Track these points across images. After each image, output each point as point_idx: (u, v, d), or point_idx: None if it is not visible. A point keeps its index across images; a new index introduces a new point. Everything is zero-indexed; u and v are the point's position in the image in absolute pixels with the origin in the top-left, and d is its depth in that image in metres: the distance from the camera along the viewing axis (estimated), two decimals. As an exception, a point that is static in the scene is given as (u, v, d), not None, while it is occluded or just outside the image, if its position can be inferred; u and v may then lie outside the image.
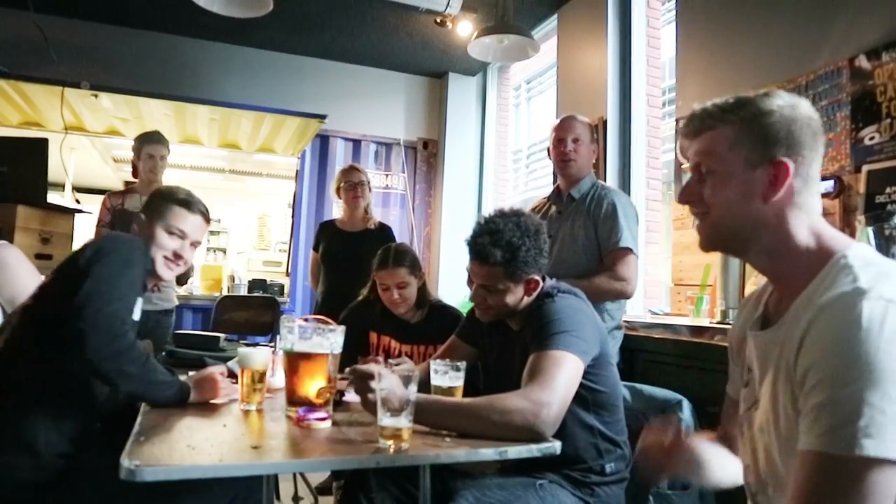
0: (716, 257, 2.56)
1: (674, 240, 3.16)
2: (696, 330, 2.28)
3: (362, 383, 1.37)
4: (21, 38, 4.31)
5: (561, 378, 1.42)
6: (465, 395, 1.56)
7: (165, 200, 1.81)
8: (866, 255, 0.91)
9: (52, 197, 3.64)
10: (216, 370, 1.66)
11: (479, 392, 1.63)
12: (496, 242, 1.61)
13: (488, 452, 1.27)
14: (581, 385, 1.51)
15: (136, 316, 1.64)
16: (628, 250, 2.30)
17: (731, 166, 0.99)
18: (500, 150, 5.55)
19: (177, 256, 1.77)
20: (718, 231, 1.03)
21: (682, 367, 2.21)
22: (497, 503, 1.46)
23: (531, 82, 5.31)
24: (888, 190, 2.18)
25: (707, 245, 1.06)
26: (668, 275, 3.23)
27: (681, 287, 3.05)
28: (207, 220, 1.86)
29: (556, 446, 1.33)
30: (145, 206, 1.88)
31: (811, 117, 0.97)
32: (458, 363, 1.56)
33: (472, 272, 1.68)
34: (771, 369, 0.95)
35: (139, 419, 1.38)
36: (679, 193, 1.07)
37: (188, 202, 1.82)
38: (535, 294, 1.68)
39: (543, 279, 1.73)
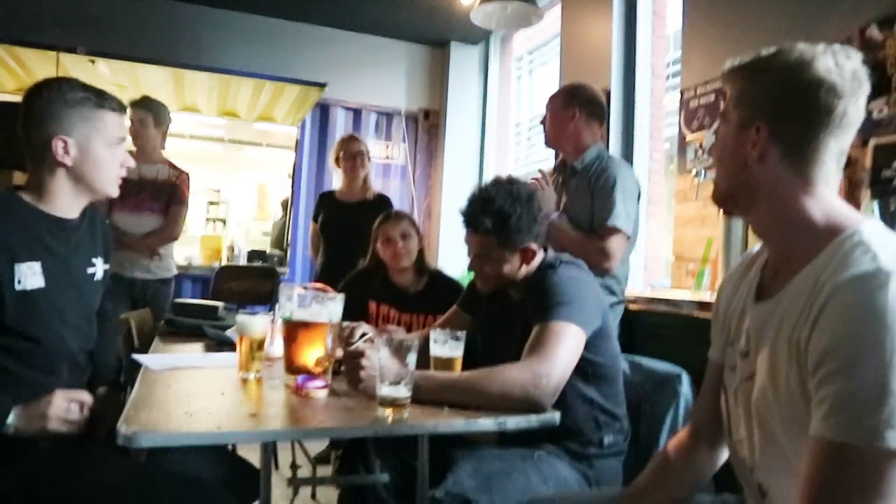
0: (717, 231, 2.55)
1: (675, 213, 3.14)
2: (697, 304, 2.27)
3: (351, 362, 1.36)
4: (15, 2, 4.23)
5: (561, 350, 1.41)
6: (464, 365, 1.56)
7: (83, 106, 1.46)
8: (881, 233, 0.87)
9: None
10: (61, 395, 1.37)
11: (478, 363, 1.62)
12: (487, 210, 1.60)
13: (487, 423, 1.27)
14: (581, 357, 1.50)
15: (34, 284, 1.41)
16: (616, 229, 2.22)
17: (730, 124, 0.99)
18: (502, 121, 5.49)
19: (121, 166, 1.55)
20: (719, 188, 1.04)
21: (683, 340, 2.20)
22: (495, 474, 1.46)
23: (533, 53, 5.23)
24: (895, 164, 2.16)
25: (714, 199, 1.06)
26: (670, 249, 3.21)
27: (682, 261, 3.03)
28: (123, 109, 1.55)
29: (555, 417, 1.32)
30: (49, 120, 1.45)
31: (821, 78, 0.89)
32: (458, 333, 1.55)
33: (467, 241, 1.68)
34: (768, 343, 0.93)
35: (136, 387, 1.37)
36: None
37: (103, 97, 1.50)
38: (534, 263, 1.67)
39: (545, 249, 1.71)
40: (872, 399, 0.74)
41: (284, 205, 6.77)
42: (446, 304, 2.03)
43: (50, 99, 1.45)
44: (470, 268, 1.73)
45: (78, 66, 4.30)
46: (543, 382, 1.34)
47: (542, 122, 2.51)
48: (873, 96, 2.33)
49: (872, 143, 2.22)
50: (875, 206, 2.00)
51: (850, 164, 2.29)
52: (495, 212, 1.59)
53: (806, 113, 0.91)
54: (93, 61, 4.18)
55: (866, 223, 0.89)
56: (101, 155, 1.49)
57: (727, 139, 1.00)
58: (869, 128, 2.23)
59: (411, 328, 2.34)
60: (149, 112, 3.33)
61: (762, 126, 0.93)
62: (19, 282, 1.39)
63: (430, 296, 2.37)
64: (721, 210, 1.10)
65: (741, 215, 1.07)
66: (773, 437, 0.93)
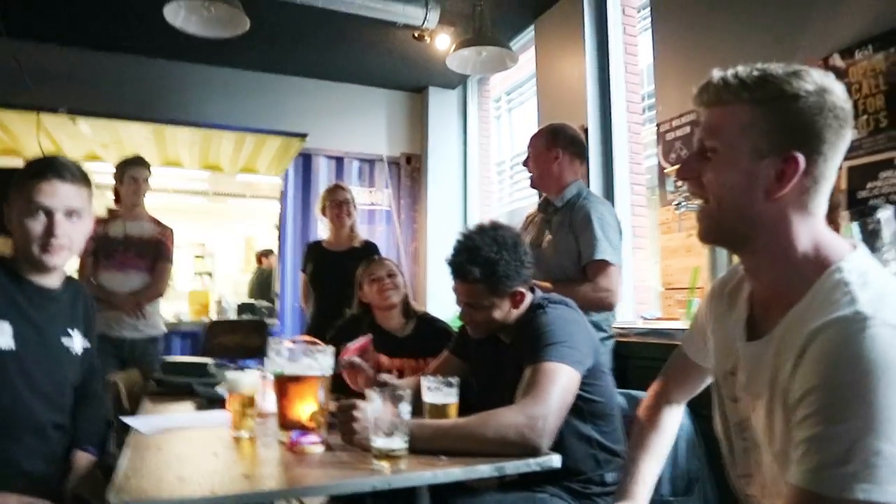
0: (703, 260, 2.57)
1: (661, 244, 3.17)
2: (688, 334, 2.27)
3: (344, 415, 1.35)
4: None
5: (555, 390, 1.40)
6: (460, 411, 1.54)
7: (19, 180, 1.50)
8: (862, 268, 0.83)
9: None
10: (15, 500, 1.37)
11: (472, 408, 1.61)
12: (474, 259, 1.60)
13: (486, 469, 1.25)
14: (577, 396, 1.49)
15: (2, 345, 1.43)
16: (606, 262, 2.24)
17: (737, 152, 0.89)
18: (484, 162, 5.55)
19: (48, 234, 1.47)
20: (717, 223, 0.94)
21: (676, 371, 2.19)
22: (497, 519, 1.44)
23: (511, 94, 5.33)
24: (869, 185, 2.20)
25: (704, 236, 0.97)
26: (658, 279, 3.23)
27: (670, 291, 3.05)
28: (75, 179, 1.53)
29: (554, 459, 1.31)
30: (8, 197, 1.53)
31: (841, 107, 0.85)
32: (451, 379, 1.54)
33: (456, 291, 1.68)
34: (765, 387, 0.90)
35: (126, 452, 1.34)
36: (678, 168, 0.99)
37: (38, 170, 1.49)
38: (523, 306, 1.67)
39: (532, 290, 1.72)
40: (844, 448, 0.71)
41: (260, 256, 6.77)
42: (436, 346, 2.01)
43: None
44: (460, 317, 1.73)
45: (59, 126, 4.32)
46: (539, 424, 1.33)
47: (525, 164, 2.54)
48: (843, 121, 2.39)
49: (846, 165, 2.27)
50: (854, 227, 2.03)
51: (827, 188, 2.33)
52: (482, 260, 1.59)
53: (838, 139, 0.86)
54: (74, 120, 4.20)
55: (848, 257, 0.86)
56: (21, 226, 1.49)
57: (732, 170, 0.90)
58: (842, 151, 2.28)
59: (402, 373, 2.31)
60: (149, 170, 3.38)
61: (798, 155, 0.85)
62: None
63: (419, 339, 2.35)
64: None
65: (731, 251, 1.01)
66: (776, 480, 0.90)
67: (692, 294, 2.71)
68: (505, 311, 1.65)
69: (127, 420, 1.67)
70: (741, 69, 0.90)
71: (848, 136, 0.87)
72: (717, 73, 0.92)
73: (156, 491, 1.08)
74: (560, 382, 1.43)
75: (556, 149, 2.44)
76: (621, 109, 3.74)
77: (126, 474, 1.16)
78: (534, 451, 1.31)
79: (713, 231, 0.96)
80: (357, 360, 2.03)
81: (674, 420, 1.32)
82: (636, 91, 3.77)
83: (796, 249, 0.88)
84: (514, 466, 1.27)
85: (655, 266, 3.33)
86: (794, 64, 0.89)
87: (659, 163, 3.18)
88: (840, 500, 0.71)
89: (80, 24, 4.35)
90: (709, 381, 1.24)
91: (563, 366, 1.45)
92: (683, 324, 2.52)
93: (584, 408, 1.57)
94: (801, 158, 0.85)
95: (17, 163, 4.36)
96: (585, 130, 3.69)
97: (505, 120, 5.44)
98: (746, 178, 0.88)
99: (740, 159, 0.89)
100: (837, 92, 0.86)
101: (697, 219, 0.98)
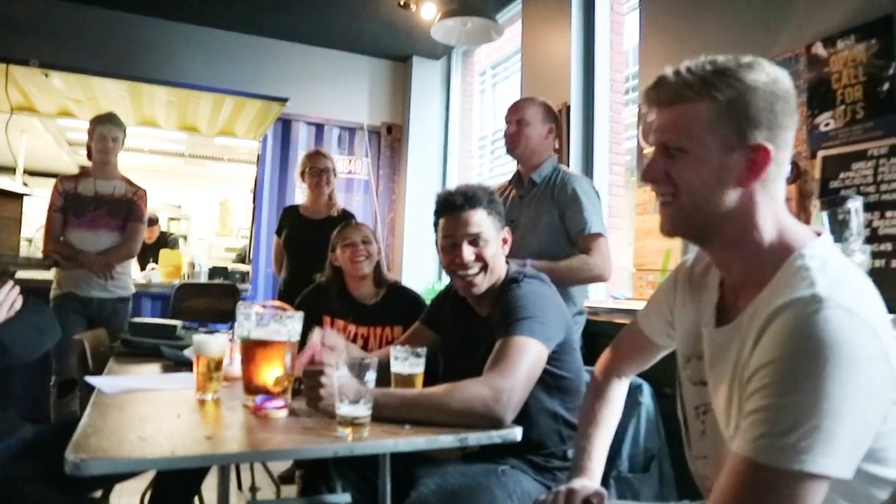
0: (676, 243, 2.59)
1: (636, 225, 3.19)
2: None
3: (310, 381, 1.35)
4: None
5: (522, 364, 1.41)
6: (425, 382, 1.54)
7: None
8: (823, 255, 0.86)
9: (0, 181, 3.50)
10: None
11: (439, 380, 1.62)
12: (475, 189, 1.67)
13: (449, 439, 1.26)
14: (544, 371, 1.51)
15: None
16: (599, 235, 2.30)
17: (706, 149, 0.91)
18: (465, 135, 5.51)
19: None
20: (687, 217, 0.95)
21: (643, 351, 2.22)
22: (459, 489, 1.45)
23: (496, 68, 5.27)
24: (842, 175, 2.22)
25: (670, 230, 0.98)
26: (630, 260, 3.26)
27: (642, 272, 3.08)
28: None
29: (516, 432, 1.32)
30: None
31: (792, 94, 0.91)
32: (419, 349, 1.54)
33: (459, 224, 1.64)
34: (728, 372, 0.91)
35: (88, 410, 1.33)
36: (643, 171, 0.99)
37: None
38: (501, 271, 1.68)
39: (507, 262, 1.72)
40: (789, 420, 0.74)
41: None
42: (404, 314, 2.00)
43: None
44: (452, 267, 1.66)
45: (30, 79, 4.19)
46: (504, 398, 1.33)
47: (511, 132, 2.45)
48: (821, 110, 2.40)
49: (821, 154, 2.29)
50: (824, 216, 2.06)
51: (801, 176, 2.36)
52: (482, 191, 1.66)
53: (791, 125, 0.91)
54: (46, 74, 4.07)
55: (810, 244, 0.88)
56: None
57: (704, 166, 0.91)
58: (818, 140, 2.30)
59: (368, 341, 2.30)
60: (121, 130, 3.30)
61: (767, 144, 0.89)
62: None
63: (387, 307, 2.34)
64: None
65: (696, 243, 1.01)
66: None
67: (663, 276, 2.73)
68: (499, 254, 1.68)
69: (90, 380, 1.66)
70: (693, 64, 0.93)
71: (797, 120, 0.92)
72: (670, 70, 0.95)
73: (116, 449, 1.07)
74: (528, 357, 1.44)
75: (549, 123, 2.48)
76: (604, 88, 3.72)
77: (86, 432, 1.15)
78: (497, 424, 1.32)
79: (681, 225, 0.97)
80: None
81: (622, 392, 1.37)
82: (620, 71, 3.75)
83: (763, 237, 0.92)
84: (476, 438, 1.28)
85: (629, 247, 3.36)
86: (742, 56, 0.93)
87: (638, 143, 3.18)
88: (778, 469, 0.74)
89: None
90: (659, 356, 1.29)
91: (532, 340, 1.46)
92: (653, 305, 2.55)
93: (551, 382, 1.59)
94: (770, 147, 0.89)
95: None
96: (568, 108, 3.68)
97: (489, 94, 5.40)
98: (719, 173, 0.90)
99: (711, 155, 0.91)
100: (784, 80, 0.91)
101: (662, 214, 0.98)
